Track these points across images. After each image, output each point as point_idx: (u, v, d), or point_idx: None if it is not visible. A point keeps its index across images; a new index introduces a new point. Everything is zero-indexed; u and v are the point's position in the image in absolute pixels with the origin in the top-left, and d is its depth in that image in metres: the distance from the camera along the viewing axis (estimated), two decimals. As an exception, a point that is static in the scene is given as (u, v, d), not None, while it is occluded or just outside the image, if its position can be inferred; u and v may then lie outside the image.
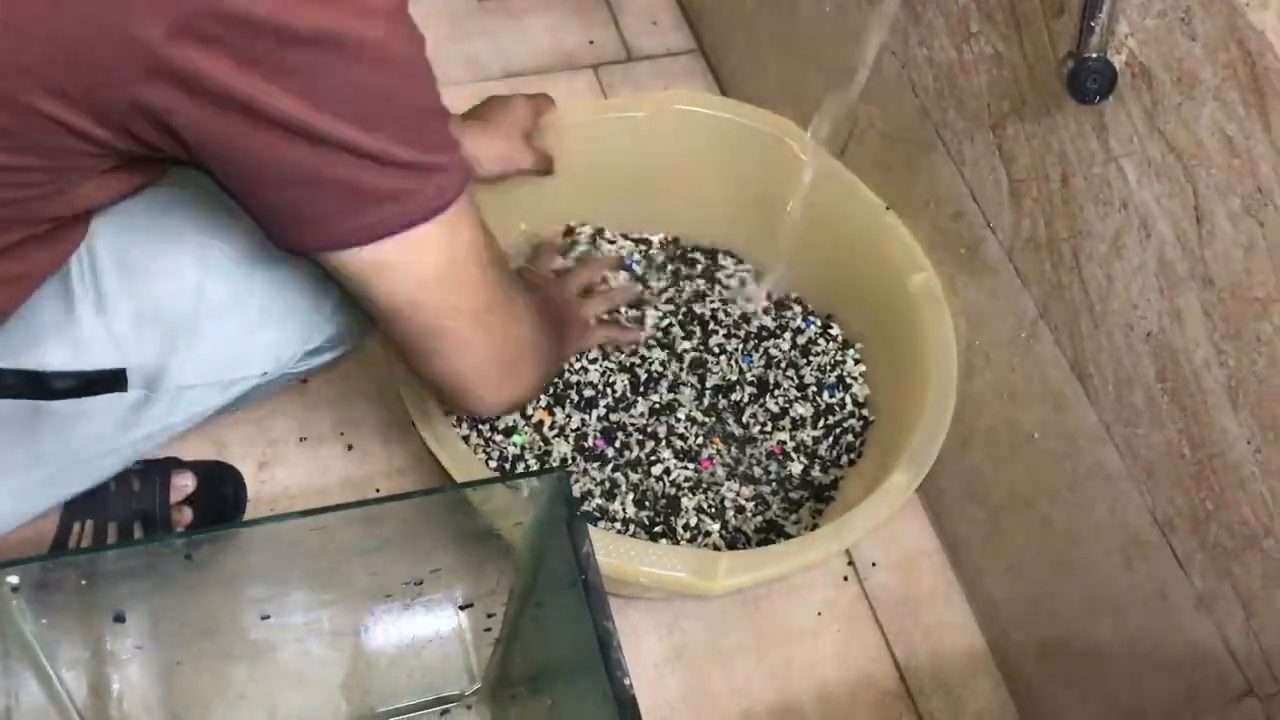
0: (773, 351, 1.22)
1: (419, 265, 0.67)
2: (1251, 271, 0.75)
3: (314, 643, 0.90)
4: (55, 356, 0.75)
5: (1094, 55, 0.80)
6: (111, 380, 0.78)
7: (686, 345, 1.21)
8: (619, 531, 1.08)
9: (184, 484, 1.07)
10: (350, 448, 1.18)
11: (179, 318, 0.78)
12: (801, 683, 1.11)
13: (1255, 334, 0.76)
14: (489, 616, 0.93)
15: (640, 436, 1.14)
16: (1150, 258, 0.84)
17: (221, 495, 1.10)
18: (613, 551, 0.88)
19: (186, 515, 1.07)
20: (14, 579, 0.67)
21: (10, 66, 0.56)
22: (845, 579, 1.17)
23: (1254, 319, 0.76)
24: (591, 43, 1.56)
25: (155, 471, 1.04)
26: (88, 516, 0.98)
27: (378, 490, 1.14)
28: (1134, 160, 0.83)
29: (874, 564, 1.18)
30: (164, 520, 1.03)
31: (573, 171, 1.17)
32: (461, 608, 0.92)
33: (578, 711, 0.80)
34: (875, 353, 1.19)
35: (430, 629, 0.94)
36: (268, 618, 0.84)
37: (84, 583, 0.70)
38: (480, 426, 1.11)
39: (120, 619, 0.78)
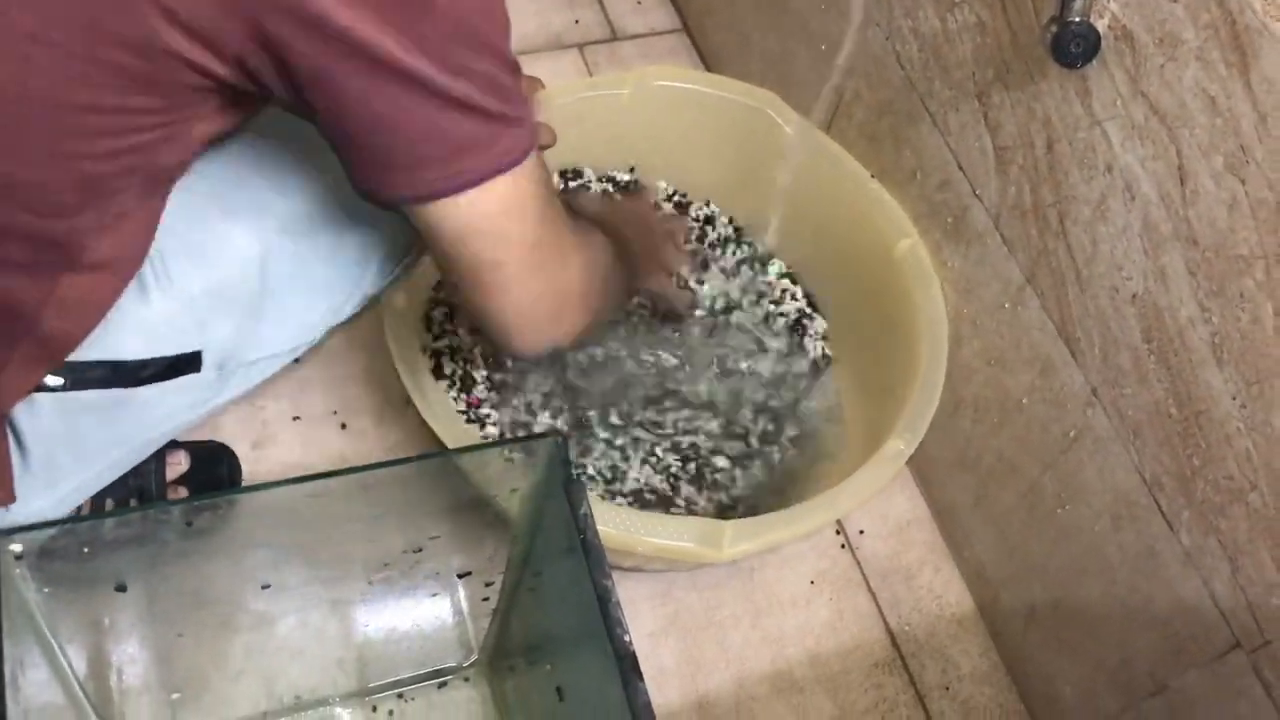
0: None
1: (490, 211, 0.69)
2: (1234, 229, 0.77)
3: (313, 613, 0.91)
4: (133, 344, 0.77)
5: (1077, 19, 0.81)
6: (188, 362, 0.80)
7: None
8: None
9: (178, 463, 1.08)
10: (344, 426, 1.18)
11: (246, 296, 0.80)
12: (794, 650, 1.12)
13: (1239, 290, 0.77)
14: (487, 586, 0.94)
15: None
16: (1135, 219, 0.85)
17: (216, 475, 1.10)
18: (618, 523, 0.89)
19: (182, 495, 1.07)
20: (17, 547, 0.68)
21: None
22: (838, 547, 1.19)
23: (1237, 276, 0.77)
24: (577, 22, 1.56)
25: (151, 449, 1.05)
26: (84, 492, 0.98)
27: (372, 467, 1.15)
28: (1118, 123, 0.84)
29: (861, 531, 1.20)
30: (160, 498, 1.03)
31: (558, 150, 1.18)
32: (459, 576, 0.93)
33: (577, 676, 0.81)
34: (863, 319, 1.20)
35: (428, 599, 0.95)
36: (268, 587, 0.85)
37: (85, 551, 0.71)
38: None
39: (121, 589, 0.78)
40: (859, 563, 1.18)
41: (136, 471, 1.02)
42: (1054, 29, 0.82)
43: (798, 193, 1.22)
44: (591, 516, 0.73)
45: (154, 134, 0.65)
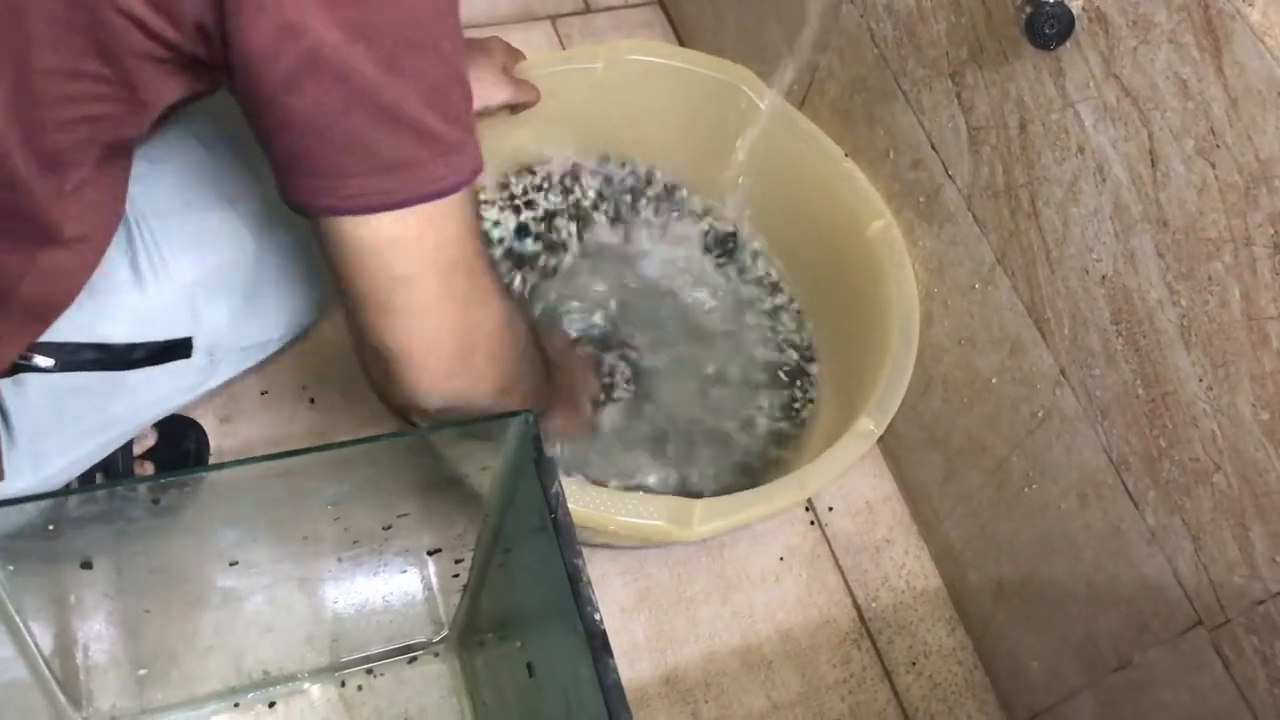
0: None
1: (399, 240, 0.64)
2: (1204, 212, 0.77)
3: (281, 590, 0.90)
4: (126, 329, 0.77)
5: (1051, 0, 0.81)
6: (179, 348, 0.80)
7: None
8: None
9: (145, 438, 1.07)
10: (313, 401, 1.17)
11: (241, 283, 0.81)
12: (764, 626, 1.13)
13: (1207, 274, 0.78)
14: (457, 563, 0.94)
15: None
16: (1106, 201, 0.85)
17: (184, 450, 1.09)
18: (588, 501, 0.90)
19: (148, 470, 1.06)
20: (-21, 524, 0.67)
21: None
22: (808, 524, 1.19)
23: (1206, 259, 0.78)
24: (549, -7, 1.55)
25: (117, 424, 1.04)
26: (48, 468, 0.98)
27: (341, 442, 1.14)
28: (1090, 105, 0.84)
29: (831, 509, 1.20)
30: (126, 474, 1.02)
31: (531, 123, 1.17)
32: (429, 554, 0.93)
33: (547, 652, 0.81)
34: (834, 300, 1.20)
35: (398, 576, 0.95)
36: (235, 564, 0.84)
37: (50, 528, 0.70)
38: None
39: (87, 566, 0.77)
40: (828, 540, 1.19)
41: (102, 446, 1.02)
42: (1028, 9, 0.82)
43: (771, 170, 1.22)
44: (562, 495, 0.73)
45: (112, 106, 0.63)
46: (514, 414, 0.76)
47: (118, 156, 0.71)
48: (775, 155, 1.21)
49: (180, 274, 0.78)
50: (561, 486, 0.73)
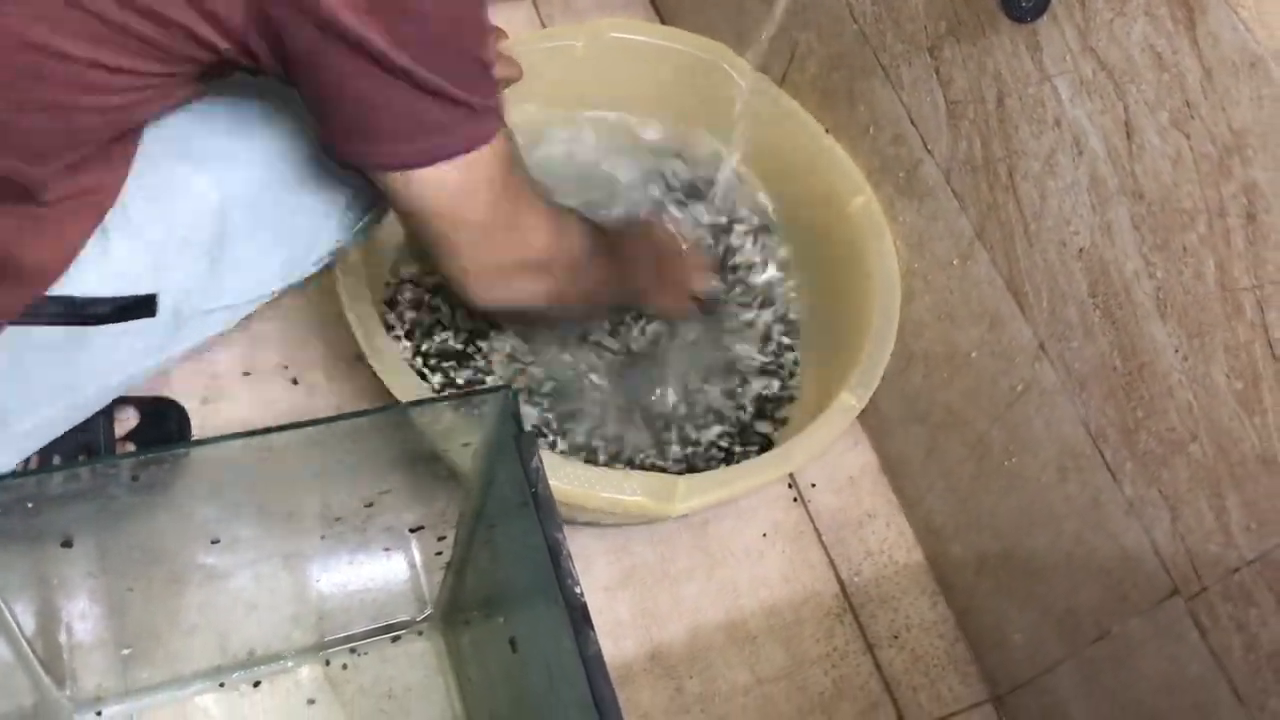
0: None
1: (446, 185, 0.76)
2: (1179, 184, 0.78)
3: (265, 568, 0.90)
4: (90, 284, 0.77)
5: (1028, -27, 0.81)
6: (143, 305, 0.80)
7: None
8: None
9: (126, 420, 1.07)
10: (295, 381, 1.17)
11: (204, 242, 0.81)
12: (748, 601, 1.13)
13: (1182, 244, 0.78)
14: (439, 540, 0.94)
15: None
16: (1083, 174, 0.85)
17: (165, 430, 1.09)
18: (571, 477, 0.90)
19: (130, 451, 1.06)
20: (-41, 503, 0.67)
21: None
22: (790, 500, 1.20)
23: (1181, 230, 0.78)
24: (530, -27, 1.54)
25: (98, 405, 1.03)
26: (30, 449, 0.97)
27: (324, 423, 1.14)
28: (1067, 79, 0.85)
29: (813, 484, 1.21)
30: (109, 454, 1.02)
31: (511, 101, 1.17)
32: (412, 531, 0.93)
33: (530, 627, 0.82)
34: (815, 276, 1.21)
35: (381, 553, 0.95)
36: (217, 542, 0.84)
37: (30, 506, 0.70)
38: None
39: (68, 544, 0.77)
40: (811, 516, 1.20)
41: (84, 427, 1.00)
42: (1005, -17, 0.82)
43: (752, 147, 1.22)
44: (543, 470, 0.73)
45: (144, 94, 0.69)
46: (494, 389, 0.76)
47: (126, 135, 0.75)
48: (756, 132, 1.21)
49: (145, 230, 0.78)
50: (542, 461, 0.74)
